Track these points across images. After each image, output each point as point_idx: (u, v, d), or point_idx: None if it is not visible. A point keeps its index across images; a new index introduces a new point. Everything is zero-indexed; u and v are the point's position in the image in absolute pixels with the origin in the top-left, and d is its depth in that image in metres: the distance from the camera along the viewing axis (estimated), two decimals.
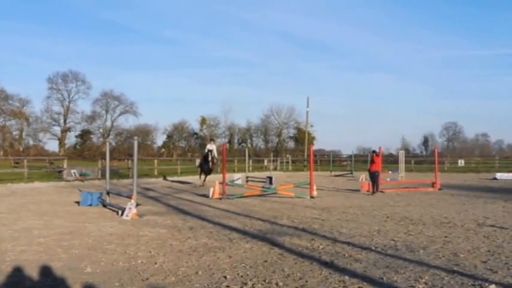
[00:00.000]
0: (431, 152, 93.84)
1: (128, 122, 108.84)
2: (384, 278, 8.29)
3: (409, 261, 9.64)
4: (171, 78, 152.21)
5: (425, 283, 7.94)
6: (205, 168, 33.61)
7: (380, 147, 32.52)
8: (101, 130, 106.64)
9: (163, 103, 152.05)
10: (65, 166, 40.69)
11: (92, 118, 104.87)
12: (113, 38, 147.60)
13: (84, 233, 13.24)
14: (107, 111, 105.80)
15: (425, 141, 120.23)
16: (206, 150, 34.29)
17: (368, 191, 28.07)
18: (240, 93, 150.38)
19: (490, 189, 33.15)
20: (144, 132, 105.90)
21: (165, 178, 41.31)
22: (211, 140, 42.16)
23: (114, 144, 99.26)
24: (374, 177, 27.94)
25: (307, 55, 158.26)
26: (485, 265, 9.24)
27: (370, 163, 28.85)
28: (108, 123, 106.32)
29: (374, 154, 29.26)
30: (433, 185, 31.28)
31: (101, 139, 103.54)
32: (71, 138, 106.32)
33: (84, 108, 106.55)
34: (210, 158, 32.99)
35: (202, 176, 34.26)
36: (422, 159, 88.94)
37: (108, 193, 20.42)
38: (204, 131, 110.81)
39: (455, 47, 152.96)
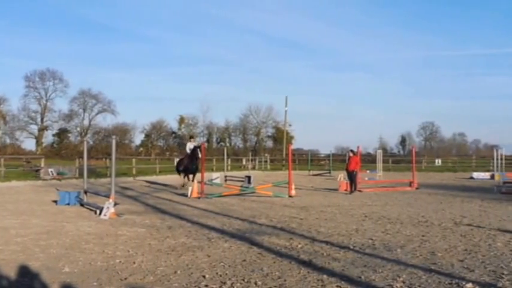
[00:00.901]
0: (408, 151, 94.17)
1: (105, 121, 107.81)
2: (362, 277, 8.34)
3: (386, 260, 9.71)
4: (150, 77, 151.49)
5: (403, 282, 8.00)
6: (192, 167, 29.93)
7: (358, 147, 32.74)
8: (78, 129, 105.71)
9: (141, 102, 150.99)
10: (42, 165, 40.46)
11: (69, 117, 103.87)
12: (91, 36, 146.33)
13: (62, 233, 13.18)
14: (84, 110, 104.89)
15: (403, 141, 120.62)
16: (191, 147, 30.57)
17: (346, 190, 28.18)
18: (218, 92, 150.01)
19: (466, 188, 33.42)
20: (122, 131, 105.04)
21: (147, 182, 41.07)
22: (191, 137, 37.02)
23: (91, 143, 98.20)
24: (352, 177, 28.07)
25: (286, 54, 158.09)
26: (462, 264, 9.33)
27: (348, 162, 28.98)
28: (86, 122, 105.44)
29: (351, 153, 29.40)
30: (410, 184, 31.51)
31: (79, 138, 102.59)
32: (48, 137, 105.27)
33: (61, 107, 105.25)
34: (199, 155, 28.59)
35: (186, 176, 31.09)
36: (399, 158, 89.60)
37: (85, 192, 20.33)
38: (182, 130, 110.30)
39: (433, 47, 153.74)
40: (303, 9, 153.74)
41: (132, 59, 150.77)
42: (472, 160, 75.54)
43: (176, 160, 39.25)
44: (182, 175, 31.38)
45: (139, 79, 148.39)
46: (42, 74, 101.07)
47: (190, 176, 30.33)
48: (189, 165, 30.14)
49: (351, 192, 27.36)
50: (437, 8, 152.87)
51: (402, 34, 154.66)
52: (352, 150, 30.28)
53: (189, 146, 31.23)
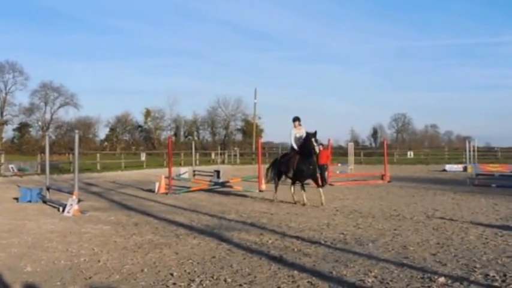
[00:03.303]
0: (380, 143, 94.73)
1: (68, 115, 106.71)
2: (333, 272, 8.38)
3: (358, 255, 9.78)
4: (114, 69, 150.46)
5: (375, 277, 8.06)
6: (309, 170, 19.14)
7: (329, 139, 32.88)
8: (39, 123, 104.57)
9: (105, 94, 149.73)
10: (2, 161, 40.04)
11: (30, 110, 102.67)
12: (52, 26, 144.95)
13: (24, 231, 13.07)
14: (46, 103, 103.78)
15: (375, 133, 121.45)
16: (299, 135, 19.64)
17: (323, 183, 28.22)
18: (185, 84, 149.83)
19: (439, 181, 33.72)
20: (86, 125, 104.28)
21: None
22: (296, 120, 20.00)
23: (54, 137, 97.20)
24: (322, 171, 28.08)
25: (255, 45, 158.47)
26: (434, 258, 9.43)
27: (318, 156, 28.96)
28: (48, 116, 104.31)
29: (321, 147, 29.43)
30: (382, 177, 31.73)
31: (40, 132, 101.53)
32: (8, 132, 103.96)
33: (21, 100, 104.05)
34: (316, 149, 18.83)
35: (293, 184, 20.40)
36: (371, 151, 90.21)
37: (48, 189, 20.19)
38: (148, 124, 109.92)
39: (406, 38, 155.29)
40: (272, 0, 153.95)
41: (95, 50, 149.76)
42: (444, 152, 76.34)
43: (267, 159, 35.02)
44: (276, 181, 21.01)
45: (103, 71, 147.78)
46: (1, 66, 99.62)
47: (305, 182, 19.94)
48: (303, 167, 19.01)
49: (322, 186, 27.39)
50: None
51: (374, 25, 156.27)
52: (321, 144, 30.36)
53: (295, 133, 19.73)
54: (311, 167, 18.68)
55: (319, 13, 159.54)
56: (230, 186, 25.60)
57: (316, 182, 19.02)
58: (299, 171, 19.06)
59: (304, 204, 18.66)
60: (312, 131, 18.96)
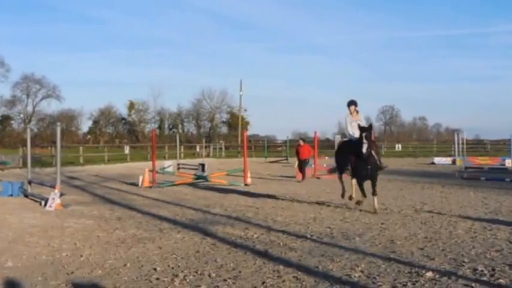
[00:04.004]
0: None
1: (50, 107, 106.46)
2: (319, 267, 8.39)
3: (345, 249, 9.79)
4: (97, 60, 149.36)
5: (362, 271, 8.08)
6: (364, 169, 15.32)
7: (315, 132, 32.92)
8: (21, 115, 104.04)
9: (88, 87, 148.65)
10: None
11: (11, 103, 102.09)
12: (34, 17, 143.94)
13: (5, 225, 13.02)
14: (27, 96, 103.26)
15: None
16: (354, 124, 15.66)
17: (304, 178, 28.30)
18: (170, 76, 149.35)
19: (427, 174, 33.91)
20: (68, 118, 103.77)
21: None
22: (352, 104, 16.58)
23: (36, 130, 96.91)
24: (304, 165, 28.16)
25: (240, 36, 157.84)
26: (422, 252, 9.46)
27: (300, 151, 28.94)
28: (30, 108, 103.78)
29: (302, 142, 29.52)
30: None
31: (22, 125, 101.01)
32: None
33: (3, 93, 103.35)
34: (365, 148, 14.73)
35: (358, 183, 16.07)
36: None
37: (30, 182, 20.12)
38: (132, 116, 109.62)
39: (394, 28, 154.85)
40: None
41: (78, 42, 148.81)
42: (433, 145, 76.78)
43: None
44: (340, 178, 17.12)
45: (86, 63, 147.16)
46: None
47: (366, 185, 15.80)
48: (360, 169, 15.44)
49: (299, 179, 27.50)
50: None
51: (361, 15, 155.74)
52: (302, 138, 30.50)
53: (351, 122, 15.99)
54: (369, 167, 15.16)
55: (305, 3, 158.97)
56: (215, 181, 25.59)
57: (373, 187, 15.40)
58: (356, 172, 15.68)
59: (358, 203, 15.65)
60: (365, 123, 15.82)
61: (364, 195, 15.58)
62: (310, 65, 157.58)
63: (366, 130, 14.91)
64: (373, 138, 15.12)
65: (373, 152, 15.02)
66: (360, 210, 15.18)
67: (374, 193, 15.19)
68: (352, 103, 16.44)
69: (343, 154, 16.27)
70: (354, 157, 15.22)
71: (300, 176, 28.53)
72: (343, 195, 16.54)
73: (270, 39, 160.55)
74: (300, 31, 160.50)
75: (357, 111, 16.27)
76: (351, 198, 16.10)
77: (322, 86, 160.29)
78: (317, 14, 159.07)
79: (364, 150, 14.57)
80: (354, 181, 15.94)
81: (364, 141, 14.60)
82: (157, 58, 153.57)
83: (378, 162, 15.51)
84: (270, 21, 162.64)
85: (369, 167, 15.09)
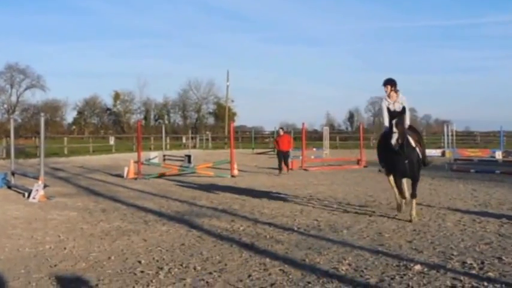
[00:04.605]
0: (356, 128, 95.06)
1: (34, 97, 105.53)
2: (306, 260, 8.40)
3: (332, 242, 9.80)
4: (82, 50, 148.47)
5: (349, 264, 8.09)
6: (402, 165, 12.54)
7: (303, 123, 32.93)
8: (5, 106, 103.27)
9: (73, 77, 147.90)
10: None
11: None
12: (18, 6, 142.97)
13: None
14: (11, 86, 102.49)
15: (351, 117, 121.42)
16: (392, 110, 12.80)
17: (288, 169, 28.23)
18: (156, 66, 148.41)
19: None
20: (53, 108, 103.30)
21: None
22: (389, 84, 13.16)
23: (20, 120, 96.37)
24: (286, 157, 27.82)
25: (228, 26, 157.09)
26: (410, 245, 9.49)
27: (280, 142, 28.53)
28: (13, 99, 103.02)
29: (282, 132, 29.20)
30: (358, 162, 31.78)
31: (6, 115, 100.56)
32: None
33: None
34: (395, 138, 11.95)
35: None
36: (347, 135, 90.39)
37: (13, 174, 20.04)
38: (117, 107, 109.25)
39: (385, 18, 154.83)
40: None
41: (63, 31, 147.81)
42: (422, 136, 76.77)
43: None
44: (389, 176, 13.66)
45: (71, 53, 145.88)
46: None
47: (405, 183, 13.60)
48: (393, 160, 12.70)
49: (284, 171, 27.14)
50: None
51: (353, 5, 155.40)
52: (282, 128, 30.31)
53: (387, 105, 13.13)
54: (406, 161, 12.34)
55: None
56: (201, 173, 25.58)
57: (412, 187, 12.68)
58: (392, 167, 13.05)
59: (398, 208, 13.25)
60: (398, 107, 12.75)
61: (403, 196, 13.10)
62: (300, 55, 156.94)
63: (396, 116, 12.19)
64: (406, 126, 12.38)
65: (411, 143, 12.44)
66: (348, 203, 15.20)
67: (413, 195, 12.56)
68: (388, 82, 13.08)
69: (380, 148, 13.61)
70: (389, 151, 12.43)
71: (285, 168, 28.37)
72: (399, 209, 13.13)
73: (259, 30, 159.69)
74: (290, 21, 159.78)
75: (397, 92, 13.09)
76: (399, 209, 13.12)
77: (312, 77, 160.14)
78: (307, 4, 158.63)
79: (393, 141, 11.82)
80: (392, 179, 13.22)
81: (394, 130, 11.90)
82: (144, 48, 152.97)
83: (420, 156, 12.74)
84: (260, 11, 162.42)
85: (406, 161, 12.31)
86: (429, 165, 13.88)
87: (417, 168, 12.55)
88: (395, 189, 13.10)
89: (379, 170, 16.02)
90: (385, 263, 8.15)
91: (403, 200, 13.12)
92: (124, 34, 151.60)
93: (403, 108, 12.47)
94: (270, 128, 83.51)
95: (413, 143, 12.43)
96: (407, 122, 12.60)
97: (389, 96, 12.99)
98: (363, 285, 7.06)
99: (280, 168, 27.16)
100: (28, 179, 19.38)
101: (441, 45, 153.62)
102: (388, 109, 12.64)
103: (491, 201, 15.24)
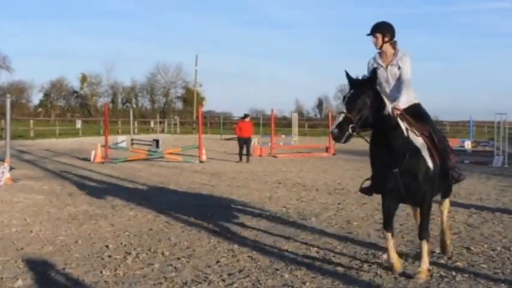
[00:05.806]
0: (325, 115, 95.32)
1: (0, 78, 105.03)
2: (275, 247, 8.46)
3: (301, 229, 9.89)
4: (49, 30, 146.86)
5: (317, 252, 8.17)
6: (385, 174, 7.70)
7: (272, 110, 32.99)
8: None
9: (39, 58, 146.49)
10: None
11: None
12: None
13: None
14: None
15: (320, 104, 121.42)
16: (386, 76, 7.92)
17: (260, 155, 28.20)
18: (123, 48, 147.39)
19: None
20: (19, 90, 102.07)
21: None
22: (378, 29, 7.86)
23: None
24: (248, 144, 26.93)
25: (196, 8, 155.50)
26: (378, 233, 9.53)
27: (243, 128, 27.69)
28: None
29: (246, 118, 28.34)
30: (327, 149, 31.87)
31: None
32: None
33: None
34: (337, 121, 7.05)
35: None
36: (316, 122, 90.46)
37: None
38: (84, 89, 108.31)
39: (356, 4, 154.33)
40: None
41: (29, 10, 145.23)
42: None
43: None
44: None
45: (37, 32, 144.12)
46: None
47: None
48: (380, 168, 8.07)
49: (240, 160, 26.49)
50: None
51: None
52: (246, 114, 29.56)
53: (373, 64, 7.95)
54: (396, 170, 7.36)
55: None
56: (170, 158, 25.54)
57: (420, 218, 7.69)
58: (378, 181, 8.46)
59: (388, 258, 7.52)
60: (409, 72, 7.93)
61: (392, 233, 7.39)
62: (271, 40, 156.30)
63: (355, 83, 7.26)
64: (400, 107, 7.39)
65: (412, 138, 7.34)
66: (317, 190, 15.30)
67: (420, 234, 7.42)
68: (379, 28, 7.93)
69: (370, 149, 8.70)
70: (373, 151, 8.53)
71: (257, 152, 28.12)
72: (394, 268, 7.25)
73: (228, 12, 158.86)
74: (259, 4, 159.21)
75: (394, 48, 7.95)
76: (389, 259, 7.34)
77: (282, 62, 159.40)
78: None
79: (332, 127, 7.14)
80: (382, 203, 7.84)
81: (385, 99, 7.37)
82: (112, 29, 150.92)
83: (430, 164, 7.23)
84: None
85: (396, 170, 7.31)
86: (461, 180, 7.97)
87: (424, 184, 7.17)
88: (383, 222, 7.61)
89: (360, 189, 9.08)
90: (353, 251, 8.24)
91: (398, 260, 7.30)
92: (91, 14, 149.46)
93: (374, 70, 7.44)
94: (239, 113, 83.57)
95: (416, 139, 7.34)
96: (405, 99, 7.64)
97: (380, 53, 8.01)
98: (331, 272, 7.14)
99: (241, 155, 26.23)
100: None
101: (411, 34, 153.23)
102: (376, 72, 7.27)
103: (460, 191, 15.24)
